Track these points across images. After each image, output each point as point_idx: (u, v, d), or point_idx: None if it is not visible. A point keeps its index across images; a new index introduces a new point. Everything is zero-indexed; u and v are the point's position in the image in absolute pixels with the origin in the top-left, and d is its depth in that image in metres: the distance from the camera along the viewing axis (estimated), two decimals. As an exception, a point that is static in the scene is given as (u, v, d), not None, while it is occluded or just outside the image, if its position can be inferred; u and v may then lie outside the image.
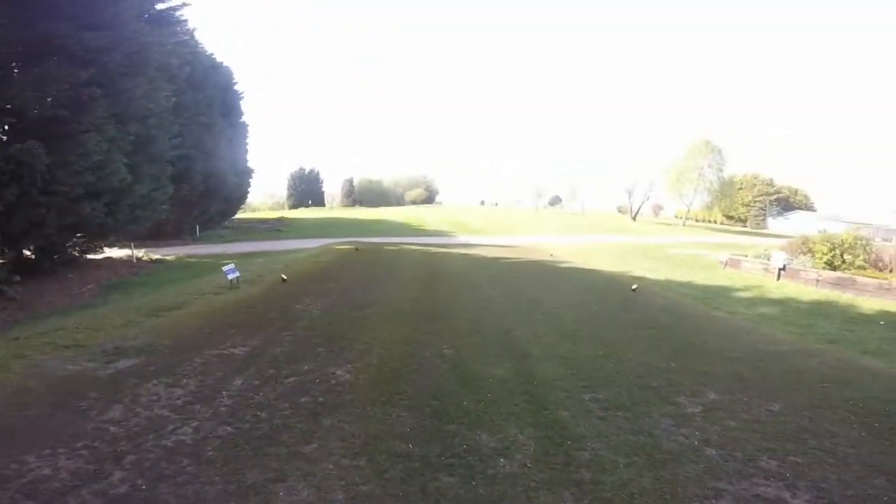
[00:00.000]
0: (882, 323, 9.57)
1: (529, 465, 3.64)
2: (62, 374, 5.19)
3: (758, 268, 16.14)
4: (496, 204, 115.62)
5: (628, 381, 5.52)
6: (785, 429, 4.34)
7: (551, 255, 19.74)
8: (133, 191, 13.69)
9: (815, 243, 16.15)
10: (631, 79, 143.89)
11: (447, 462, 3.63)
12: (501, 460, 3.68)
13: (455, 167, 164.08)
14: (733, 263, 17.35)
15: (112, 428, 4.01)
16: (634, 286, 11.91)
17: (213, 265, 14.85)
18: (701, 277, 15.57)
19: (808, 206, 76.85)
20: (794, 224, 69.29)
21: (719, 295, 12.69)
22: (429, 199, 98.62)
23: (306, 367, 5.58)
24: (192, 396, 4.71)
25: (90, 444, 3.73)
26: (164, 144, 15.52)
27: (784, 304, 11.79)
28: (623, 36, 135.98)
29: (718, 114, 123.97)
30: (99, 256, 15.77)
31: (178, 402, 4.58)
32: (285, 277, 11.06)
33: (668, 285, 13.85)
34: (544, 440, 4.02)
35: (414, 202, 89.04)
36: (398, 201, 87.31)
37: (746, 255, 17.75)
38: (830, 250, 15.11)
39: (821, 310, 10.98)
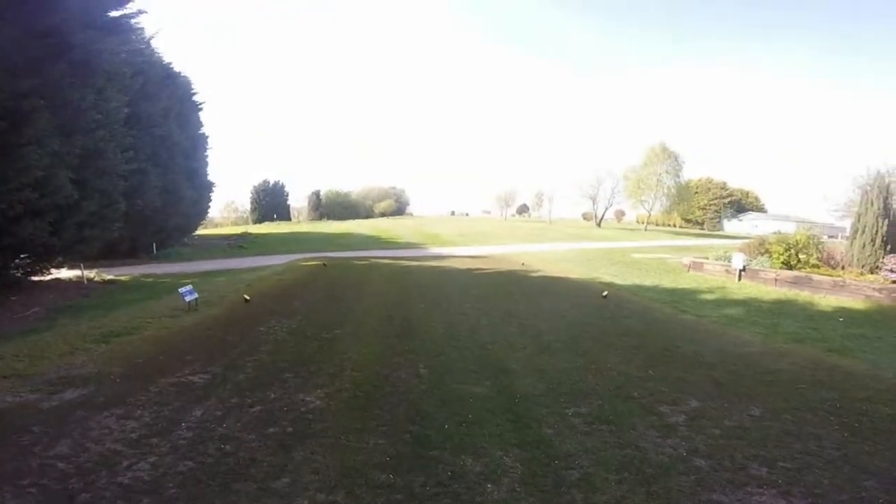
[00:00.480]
0: (841, 320, 9.94)
1: (518, 489, 3.46)
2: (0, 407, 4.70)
3: (719, 269, 16.63)
4: (466, 214, 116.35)
5: (609, 393, 5.45)
6: (769, 434, 4.33)
7: (522, 264, 19.80)
8: (80, 208, 12.75)
9: (771, 244, 16.79)
10: (592, 88, 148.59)
11: (432, 492, 3.41)
12: (489, 486, 3.49)
13: (425, 177, 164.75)
14: (696, 266, 17.84)
15: (60, 464, 3.64)
16: (605, 293, 12.00)
17: (170, 285, 14.08)
18: (667, 281, 15.90)
19: (758, 208, 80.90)
20: (747, 225, 72.79)
21: (686, 298, 12.95)
22: (399, 210, 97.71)
23: (273, 395, 5.23)
24: (147, 429, 4.32)
25: (38, 482, 3.37)
26: (116, 158, 14.49)
27: (748, 304, 12.13)
28: (584, 48, 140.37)
29: (676, 120, 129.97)
30: (46, 278, 14.70)
31: (133, 435, 4.19)
32: (248, 297, 10.55)
33: (636, 290, 14.05)
34: (531, 461, 3.85)
35: (384, 214, 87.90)
36: (367, 213, 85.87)
37: (708, 258, 18.29)
38: (786, 250, 15.73)
39: (783, 309, 11.34)
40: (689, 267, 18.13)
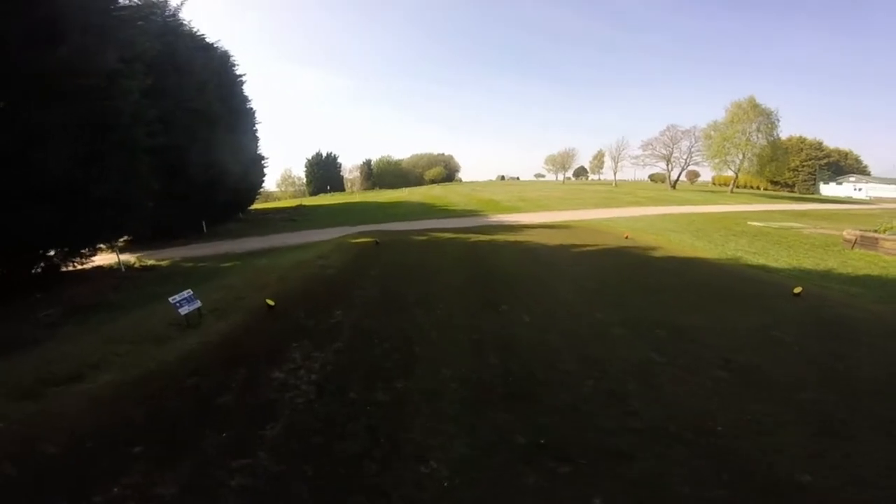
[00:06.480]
0: None
1: None
2: None
3: (908, 247, 12.11)
4: (517, 178, 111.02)
5: None
6: None
7: (626, 237, 15.73)
8: (92, 189, 10.42)
9: None
10: (659, 40, 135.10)
11: None
12: None
13: (472, 141, 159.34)
14: (867, 242, 13.26)
15: None
16: (798, 289, 8.06)
17: (206, 272, 11.76)
18: (835, 263, 11.61)
19: (860, 170, 70.71)
20: (847, 188, 63.88)
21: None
22: (449, 176, 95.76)
23: None
24: None
25: None
26: (136, 132, 12.10)
27: None
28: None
29: (760, 75, 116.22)
30: (88, 266, 12.88)
31: None
32: (272, 303, 7.41)
33: (803, 276, 9.98)
34: None
35: (434, 181, 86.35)
36: (418, 181, 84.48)
37: (883, 232, 13.61)
38: None
39: None
40: (854, 243, 13.57)
